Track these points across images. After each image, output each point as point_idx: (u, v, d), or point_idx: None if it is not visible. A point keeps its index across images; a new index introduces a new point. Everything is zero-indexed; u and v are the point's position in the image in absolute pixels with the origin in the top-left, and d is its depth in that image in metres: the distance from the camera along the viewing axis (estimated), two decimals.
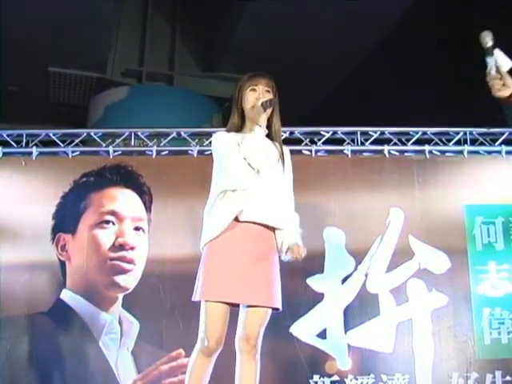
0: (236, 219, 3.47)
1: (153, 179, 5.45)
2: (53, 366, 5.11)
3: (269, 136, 3.70)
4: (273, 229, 3.58)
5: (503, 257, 5.51)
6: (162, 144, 5.74)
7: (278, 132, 3.73)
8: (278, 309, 3.57)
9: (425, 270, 5.42)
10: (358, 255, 5.44)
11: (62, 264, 5.34)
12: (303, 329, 5.27)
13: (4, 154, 5.57)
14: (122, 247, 5.32)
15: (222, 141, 3.61)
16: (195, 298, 3.50)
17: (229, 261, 3.43)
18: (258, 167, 3.49)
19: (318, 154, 5.72)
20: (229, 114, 3.76)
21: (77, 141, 5.71)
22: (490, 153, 5.77)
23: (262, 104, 3.56)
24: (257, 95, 3.61)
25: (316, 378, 5.21)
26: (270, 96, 3.62)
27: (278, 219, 3.57)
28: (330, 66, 9.52)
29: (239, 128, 3.66)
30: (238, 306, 3.53)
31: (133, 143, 5.78)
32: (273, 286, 3.53)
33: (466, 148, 5.70)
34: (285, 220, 3.61)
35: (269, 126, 3.68)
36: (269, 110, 3.61)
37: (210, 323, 3.43)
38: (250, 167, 3.49)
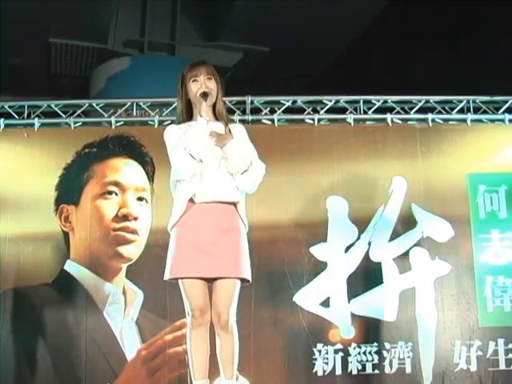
0: (193, 202, 3.60)
1: (155, 149, 5.41)
2: (57, 337, 5.14)
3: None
4: (233, 203, 3.65)
5: (506, 225, 5.50)
6: (164, 114, 5.71)
7: (221, 112, 3.80)
8: (248, 280, 3.63)
9: (428, 238, 5.41)
10: (361, 224, 5.43)
11: (66, 235, 5.36)
12: (306, 298, 5.28)
13: (6, 125, 5.56)
14: (125, 218, 5.32)
15: (167, 136, 3.77)
16: (165, 277, 3.64)
17: (192, 238, 3.56)
18: (199, 157, 3.59)
19: (321, 122, 5.69)
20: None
21: (79, 112, 5.70)
22: (493, 121, 5.74)
23: (200, 95, 3.66)
24: (199, 85, 3.70)
25: (319, 346, 5.23)
26: (212, 83, 3.72)
27: (231, 194, 3.64)
28: (332, 34, 9.44)
29: (187, 118, 3.80)
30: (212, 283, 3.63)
31: (135, 113, 5.77)
32: (238, 258, 3.59)
33: (470, 116, 5.66)
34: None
35: (214, 108, 3.80)
36: (211, 99, 3.70)
37: (188, 296, 3.58)
38: (193, 159, 3.59)
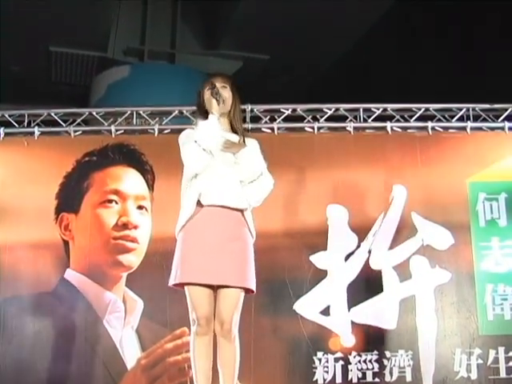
0: (201, 205, 3.60)
1: (155, 158, 5.44)
2: (57, 346, 5.13)
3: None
4: (240, 210, 3.66)
5: (506, 233, 5.50)
6: (164, 122, 5.72)
7: (236, 123, 3.81)
8: (252, 291, 3.64)
9: (428, 246, 5.41)
10: (361, 232, 5.43)
11: (66, 244, 5.36)
12: (307, 306, 5.27)
13: (6, 134, 5.55)
14: (125, 226, 5.32)
15: (179, 138, 3.78)
16: (170, 282, 3.65)
17: (197, 244, 3.56)
18: (209, 148, 3.61)
19: (321, 131, 5.70)
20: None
21: (79, 120, 5.70)
22: (492, 129, 5.75)
23: (209, 93, 3.70)
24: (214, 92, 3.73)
25: (320, 354, 5.23)
26: (226, 92, 3.76)
27: (238, 200, 3.65)
28: (331, 41, 9.46)
29: None
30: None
31: (135, 122, 5.76)
32: (244, 267, 3.61)
33: (469, 124, 5.66)
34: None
35: (235, 120, 3.82)
36: (224, 103, 3.72)
37: (194, 305, 3.58)
38: (203, 151, 3.60)
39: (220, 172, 3.63)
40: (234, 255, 3.56)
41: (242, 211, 3.67)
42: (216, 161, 3.63)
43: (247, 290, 3.63)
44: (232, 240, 3.58)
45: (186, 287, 3.60)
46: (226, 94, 3.74)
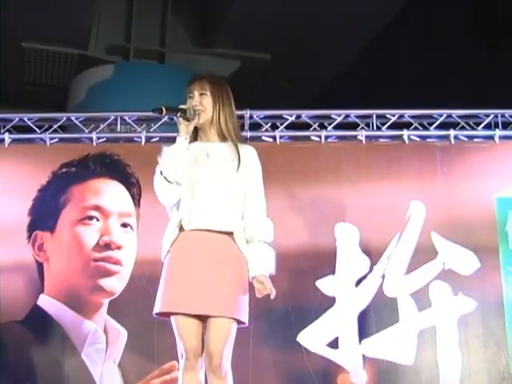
0: (183, 230, 3.64)
1: (142, 169, 5.41)
2: (29, 381, 5.11)
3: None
4: (228, 233, 3.65)
5: None
6: (151, 130, 5.74)
7: (226, 130, 3.78)
8: (243, 322, 3.63)
9: (450, 270, 5.39)
10: (374, 254, 5.42)
11: (40, 266, 5.35)
12: (312, 337, 5.26)
13: None
14: (107, 246, 5.31)
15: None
16: (154, 311, 3.67)
17: (181, 270, 3.59)
18: (174, 180, 3.65)
19: (329, 140, 5.71)
20: None
21: (55, 126, 5.72)
22: None
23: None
24: (194, 102, 3.73)
25: None
26: (206, 99, 3.74)
27: (224, 222, 3.64)
28: (340, 38, 9.46)
29: (193, 139, 3.79)
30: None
31: (119, 129, 5.78)
32: (232, 295, 3.59)
33: (498, 132, 5.66)
34: (249, 225, 3.70)
35: (220, 127, 3.79)
36: (204, 113, 3.72)
37: (181, 337, 3.58)
38: (169, 183, 3.67)
39: (202, 192, 3.64)
40: (221, 283, 3.54)
41: (230, 234, 3.66)
42: (194, 184, 3.65)
43: (239, 321, 3.62)
44: (219, 266, 3.56)
45: (171, 317, 3.60)
46: (205, 101, 3.73)
